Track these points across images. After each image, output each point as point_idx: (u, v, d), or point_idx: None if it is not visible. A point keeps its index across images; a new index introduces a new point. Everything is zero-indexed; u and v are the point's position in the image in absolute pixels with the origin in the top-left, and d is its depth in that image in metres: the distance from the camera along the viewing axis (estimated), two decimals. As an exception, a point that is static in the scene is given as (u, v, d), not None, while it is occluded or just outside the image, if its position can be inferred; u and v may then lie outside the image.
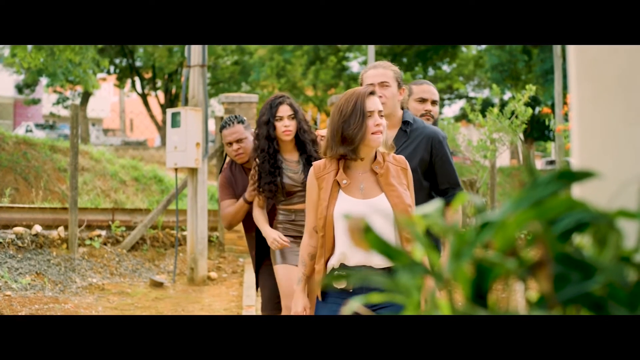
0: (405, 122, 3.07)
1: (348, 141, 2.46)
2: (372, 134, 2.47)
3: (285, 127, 3.40)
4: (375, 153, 2.55)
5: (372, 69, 3.11)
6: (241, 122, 3.81)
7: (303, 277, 2.65)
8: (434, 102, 3.64)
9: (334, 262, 2.48)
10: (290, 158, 3.47)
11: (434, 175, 3.06)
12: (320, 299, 2.56)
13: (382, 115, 2.53)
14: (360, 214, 2.43)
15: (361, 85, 3.09)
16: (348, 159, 2.51)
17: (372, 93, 2.53)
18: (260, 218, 3.48)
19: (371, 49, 17.92)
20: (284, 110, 3.43)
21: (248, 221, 3.71)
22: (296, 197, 3.40)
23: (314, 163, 2.61)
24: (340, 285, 2.48)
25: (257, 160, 3.45)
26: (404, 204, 2.46)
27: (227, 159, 3.90)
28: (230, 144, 3.76)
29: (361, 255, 2.43)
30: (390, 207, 2.45)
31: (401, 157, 2.63)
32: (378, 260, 2.42)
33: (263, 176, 3.41)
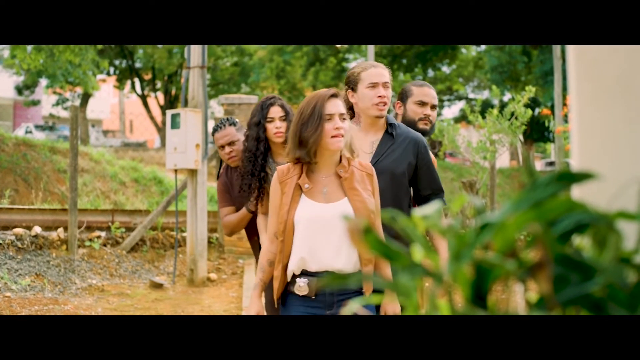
0: (391, 125, 2.94)
1: (303, 144, 2.41)
2: (331, 137, 2.41)
3: (277, 129, 3.37)
4: (341, 157, 2.49)
5: (373, 67, 2.95)
6: (233, 124, 3.74)
7: (260, 282, 2.58)
8: (433, 107, 3.42)
9: (293, 267, 2.43)
10: (282, 161, 3.38)
11: (417, 180, 2.95)
12: (276, 305, 2.52)
13: (344, 119, 2.45)
14: (320, 217, 2.42)
15: (356, 83, 2.94)
16: (304, 162, 2.45)
17: (333, 95, 2.46)
18: (262, 226, 3.44)
19: (371, 49, 17.93)
20: (276, 112, 3.39)
21: (250, 228, 3.69)
22: None
23: (278, 167, 2.55)
24: (302, 292, 2.44)
25: (242, 161, 3.41)
26: (367, 210, 2.40)
27: (224, 164, 3.86)
28: (222, 147, 3.69)
29: (322, 261, 2.39)
30: (352, 212, 2.39)
31: (367, 164, 2.57)
32: (340, 265, 2.38)
33: (244, 177, 3.38)
